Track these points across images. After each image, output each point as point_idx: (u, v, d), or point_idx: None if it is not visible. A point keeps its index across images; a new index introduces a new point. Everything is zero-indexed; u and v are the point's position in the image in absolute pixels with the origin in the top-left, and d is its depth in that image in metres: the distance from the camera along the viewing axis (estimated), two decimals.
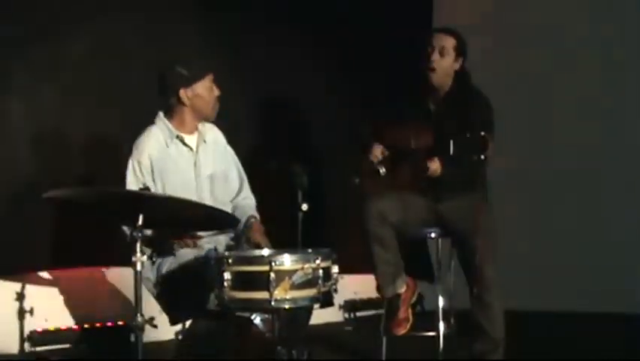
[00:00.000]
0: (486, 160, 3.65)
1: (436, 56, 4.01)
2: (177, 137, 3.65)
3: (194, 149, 3.69)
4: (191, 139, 3.69)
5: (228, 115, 3.83)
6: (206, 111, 3.67)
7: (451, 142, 3.64)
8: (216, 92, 3.65)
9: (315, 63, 5.64)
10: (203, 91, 3.62)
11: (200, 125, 3.73)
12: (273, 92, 5.46)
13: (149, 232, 3.26)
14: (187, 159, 3.68)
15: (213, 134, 3.81)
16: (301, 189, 3.37)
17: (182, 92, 3.60)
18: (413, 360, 4.28)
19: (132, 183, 3.57)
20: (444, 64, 4.02)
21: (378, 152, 4.05)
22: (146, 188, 3.20)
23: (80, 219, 3.35)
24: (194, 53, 4.70)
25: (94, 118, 4.69)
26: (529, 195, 6.10)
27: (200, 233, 3.59)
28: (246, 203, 3.84)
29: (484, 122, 3.79)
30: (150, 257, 3.46)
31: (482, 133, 3.52)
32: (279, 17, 5.45)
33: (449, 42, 4.04)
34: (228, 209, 3.72)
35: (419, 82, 4.10)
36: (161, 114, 3.69)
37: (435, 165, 3.83)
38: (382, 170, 4.00)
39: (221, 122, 3.85)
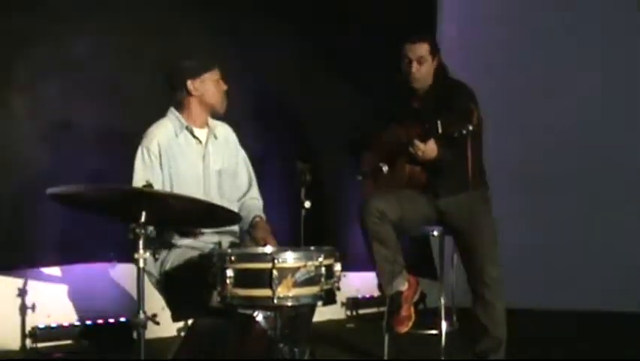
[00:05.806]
0: (475, 135, 3.67)
1: (415, 67, 4.05)
2: (187, 128, 3.65)
3: (204, 142, 3.69)
4: (200, 132, 3.68)
5: (231, 112, 3.82)
6: (214, 102, 3.65)
7: (439, 122, 3.70)
8: (224, 86, 3.66)
9: (319, 61, 5.63)
10: (211, 82, 3.62)
11: (210, 121, 3.73)
12: (277, 89, 5.46)
13: (151, 228, 3.25)
14: (196, 150, 3.67)
15: (225, 132, 3.80)
16: (304, 186, 3.36)
17: (189, 83, 3.60)
18: (415, 358, 4.27)
19: (140, 171, 3.55)
20: (424, 70, 4.06)
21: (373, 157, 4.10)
22: (149, 185, 3.19)
23: (82, 215, 3.34)
24: (200, 49, 4.70)
25: (97, 115, 4.69)
26: (533, 192, 6.09)
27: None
28: (253, 203, 3.82)
29: (468, 101, 3.80)
30: (153, 254, 3.46)
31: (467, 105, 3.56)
32: (283, 17, 5.44)
33: (424, 49, 4.06)
34: (235, 207, 3.72)
35: (403, 85, 4.14)
36: (172, 108, 3.69)
37: (430, 146, 3.82)
38: (385, 168, 4.01)
39: (224, 119, 3.84)
